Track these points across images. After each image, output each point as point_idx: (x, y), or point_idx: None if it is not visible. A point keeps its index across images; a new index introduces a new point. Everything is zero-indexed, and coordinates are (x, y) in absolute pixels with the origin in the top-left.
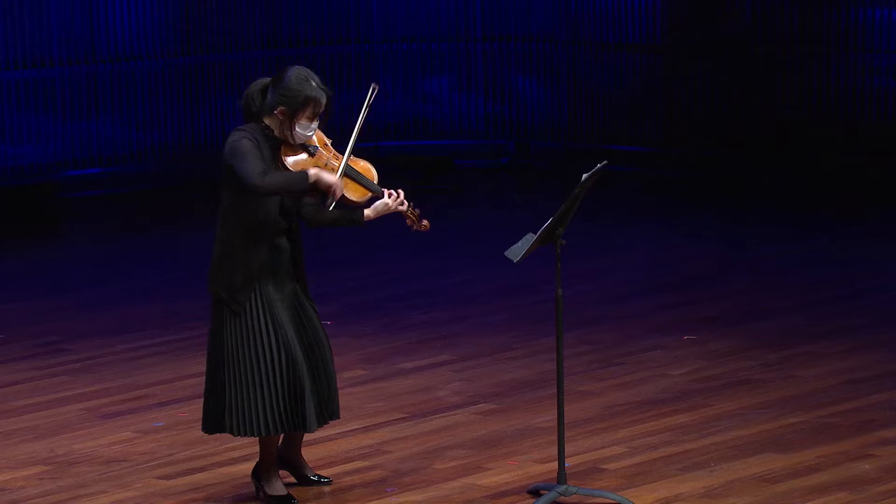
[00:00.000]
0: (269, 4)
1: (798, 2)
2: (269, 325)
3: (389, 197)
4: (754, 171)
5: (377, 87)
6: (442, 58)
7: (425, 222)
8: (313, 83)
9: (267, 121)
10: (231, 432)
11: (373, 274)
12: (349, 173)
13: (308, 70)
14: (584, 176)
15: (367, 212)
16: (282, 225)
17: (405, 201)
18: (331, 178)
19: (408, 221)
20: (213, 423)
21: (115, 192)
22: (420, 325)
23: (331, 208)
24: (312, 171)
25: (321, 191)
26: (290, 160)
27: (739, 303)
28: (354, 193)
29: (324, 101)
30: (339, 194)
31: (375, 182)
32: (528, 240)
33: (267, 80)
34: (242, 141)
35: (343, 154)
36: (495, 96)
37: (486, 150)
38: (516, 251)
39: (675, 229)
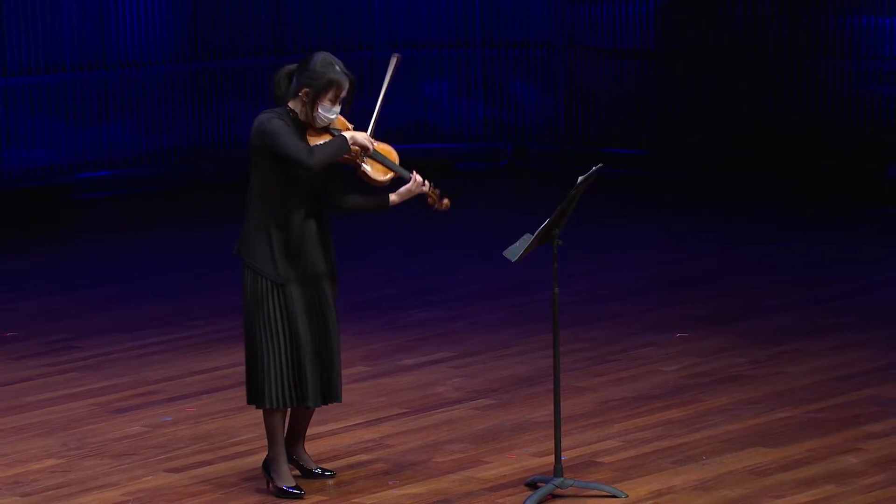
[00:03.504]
0: (275, 12)
1: (787, 8)
2: (281, 306)
3: (410, 181)
4: (746, 173)
5: (399, 57)
6: (442, 63)
7: (446, 201)
8: (337, 67)
9: (291, 104)
10: (254, 403)
11: (374, 273)
12: (374, 154)
13: (333, 56)
14: (580, 178)
15: (392, 197)
16: (312, 206)
17: (425, 182)
18: (365, 137)
19: (429, 201)
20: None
21: (126, 193)
22: (420, 323)
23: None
24: (348, 134)
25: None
26: (315, 144)
27: (730, 301)
28: (379, 173)
29: (346, 84)
30: (371, 150)
31: (398, 164)
32: (526, 240)
33: (293, 66)
34: (273, 121)
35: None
36: (494, 101)
37: (485, 153)
38: (514, 251)
39: (669, 230)
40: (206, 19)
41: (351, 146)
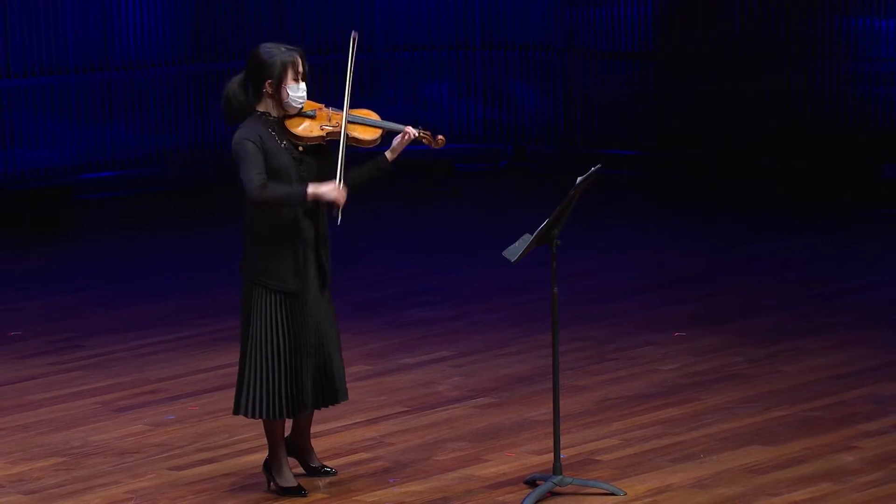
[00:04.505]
0: (276, 14)
1: (785, 11)
2: (283, 317)
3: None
4: (743, 174)
5: (356, 35)
6: (442, 65)
7: (440, 137)
8: (283, 48)
9: (261, 107)
10: (244, 413)
11: (374, 273)
12: (354, 119)
13: (272, 42)
14: (579, 179)
15: (387, 154)
16: (307, 207)
17: (412, 129)
18: (330, 191)
19: (425, 141)
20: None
21: (129, 194)
22: (421, 323)
23: (339, 218)
24: (311, 190)
25: (328, 204)
26: (297, 130)
27: (728, 301)
28: (366, 133)
29: (300, 59)
30: (342, 203)
31: (381, 120)
32: (525, 240)
33: (238, 76)
34: (245, 143)
35: (340, 110)
36: (494, 102)
37: (485, 154)
38: (513, 251)
39: (667, 230)
40: (208, 21)
41: (310, 200)
